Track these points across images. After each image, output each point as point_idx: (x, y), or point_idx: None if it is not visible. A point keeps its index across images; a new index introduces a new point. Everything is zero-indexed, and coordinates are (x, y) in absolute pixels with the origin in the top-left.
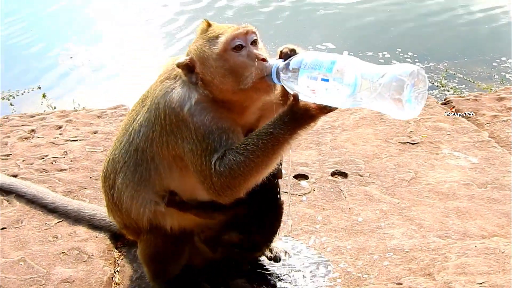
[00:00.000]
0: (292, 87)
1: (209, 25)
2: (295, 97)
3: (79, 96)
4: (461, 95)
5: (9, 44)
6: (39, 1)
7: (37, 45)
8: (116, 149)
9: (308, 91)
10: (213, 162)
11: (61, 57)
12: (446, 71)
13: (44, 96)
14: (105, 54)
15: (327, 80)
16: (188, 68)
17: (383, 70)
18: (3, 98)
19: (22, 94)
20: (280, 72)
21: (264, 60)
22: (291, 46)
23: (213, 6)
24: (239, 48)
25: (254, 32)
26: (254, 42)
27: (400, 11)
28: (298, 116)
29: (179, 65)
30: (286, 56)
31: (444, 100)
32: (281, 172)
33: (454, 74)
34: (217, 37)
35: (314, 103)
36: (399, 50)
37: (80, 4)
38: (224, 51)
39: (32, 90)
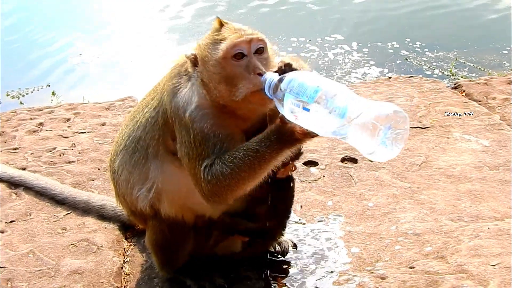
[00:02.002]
0: (280, 108)
1: (221, 24)
2: (282, 119)
3: (89, 92)
4: (472, 79)
5: (16, 42)
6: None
7: (45, 43)
8: (121, 134)
9: (291, 116)
10: (202, 168)
11: (70, 54)
12: (456, 60)
13: (53, 93)
14: (114, 50)
15: (308, 110)
16: (192, 62)
17: (362, 108)
18: (13, 97)
19: (32, 92)
20: (271, 90)
21: (260, 74)
22: (287, 60)
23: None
24: (239, 56)
25: (260, 40)
26: (260, 51)
27: (408, 1)
28: (284, 138)
29: (186, 57)
30: (281, 71)
31: (455, 84)
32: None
33: (464, 62)
34: (220, 41)
35: (300, 127)
36: (408, 40)
37: (87, 1)
38: (223, 59)
39: (42, 88)
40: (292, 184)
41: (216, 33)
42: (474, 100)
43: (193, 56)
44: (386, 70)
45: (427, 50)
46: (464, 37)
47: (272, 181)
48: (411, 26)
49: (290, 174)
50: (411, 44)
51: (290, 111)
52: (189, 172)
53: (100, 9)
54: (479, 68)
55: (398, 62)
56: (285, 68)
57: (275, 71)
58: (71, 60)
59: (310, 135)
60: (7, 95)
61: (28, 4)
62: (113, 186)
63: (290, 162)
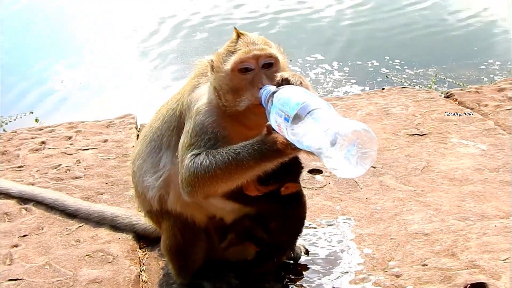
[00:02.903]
0: (268, 118)
1: (238, 36)
2: (268, 128)
3: (72, 117)
4: (463, 88)
5: None
6: (20, 26)
7: (26, 70)
8: (143, 134)
9: (276, 126)
10: (189, 155)
11: (51, 80)
12: (436, 76)
13: (36, 120)
14: (95, 75)
15: (288, 121)
16: (210, 67)
17: (331, 123)
18: None
19: (15, 119)
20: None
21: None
22: (286, 75)
23: (209, 21)
24: (244, 70)
25: (269, 56)
26: (268, 65)
27: (386, 20)
28: (266, 147)
29: (207, 61)
30: (278, 85)
31: (447, 93)
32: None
33: (444, 78)
34: (232, 53)
35: (284, 138)
36: (387, 58)
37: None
38: (231, 71)
39: (25, 115)
40: (301, 203)
41: (232, 44)
42: (467, 108)
43: (211, 62)
44: (367, 88)
45: (406, 67)
46: (442, 53)
47: (278, 198)
48: (389, 45)
49: (295, 191)
50: (390, 62)
51: (275, 121)
52: (179, 160)
53: (78, 34)
54: (459, 84)
55: (379, 79)
56: (282, 82)
57: (274, 84)
58: (53, 86)
59: (290, 146)
60: None
61: (7, 31)
62: (134, 186)
63: (292, 183)
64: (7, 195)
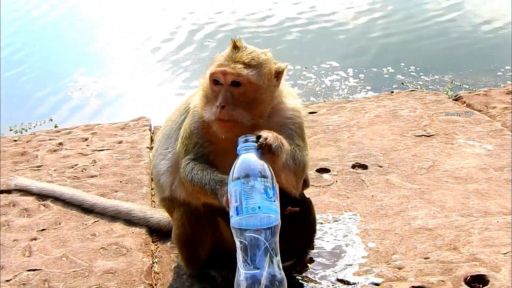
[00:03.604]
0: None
1: (234, 46)
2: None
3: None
4: (471, 90)
5: (16, 77)
6: (40, 34)
7: (45, 79)
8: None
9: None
10: (184, 159)
11: (70, 89)
12: (452, 82)
13: (56, 127)
14: (113, 84)
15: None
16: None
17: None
18: (16, 131)
19: (34, 126)
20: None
21: (222, 106)
22: (270, 141)
23: (220, 30)
24: (216, 82)
25: (237, 76)
26: (237, 84)
27: (401, 27)
28: (219, 193)
29: None
30: (258, 146)
31: (455, 96)
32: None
33: (460, 85)
34: (215, 62)
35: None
36: (403, 64)
37: (85, 37)
38: (208, 78)
39: (44, 122)
40: (307, 217)
41: (222, 53)
42: (475, 110)
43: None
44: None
45: (422, 74)
46: (458, 59)
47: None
48: (405, 51)
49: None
50: (406, 68)
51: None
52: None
53: (97, 43)
54: (475, 90)
55: (394, 86)
56: (263, 145)
57: (256, 137)
58: (71, 93)
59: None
60: (10, 130)
61: (27, 39)
62: (154, 178)
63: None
64: (27, 192)
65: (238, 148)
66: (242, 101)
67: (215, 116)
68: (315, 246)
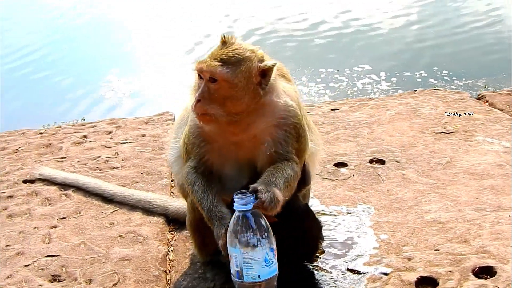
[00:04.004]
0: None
1: (223, 41)
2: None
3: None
4: (495, 90)
5: (52, 77)
6: (74, 35)
7: (79, 79)
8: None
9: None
10: (187, 165)
11: (103, 89)
12: (485, 87)
13: (83, 119)
14: (145, 84)
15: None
16: None
17: None
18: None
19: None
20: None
21: (198, 100)
22: (264, 198)
23: (254, 33)
24: (200, 77)
25: (209, 72)
26: (213, 80)
27: (436, 32)
28: (212, 226)
29: None
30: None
31: (478, 95)
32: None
33: (494, 90)
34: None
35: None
36: (436, 68)
37: (118, 37)
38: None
39: (77, 122)
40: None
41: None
42: (497, 109)
43: None
44: None
45: (455, 78)
46: (493, 65)
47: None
48: (439, 56)
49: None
50: (439, 72)
51: (231, 232)
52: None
53: (134, 46)
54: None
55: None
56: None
57: (250, 191)
58: (104, 94)
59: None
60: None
61: (62, 40)
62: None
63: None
64: (51, 181)
65: (234, 204)
66: (217, 97)
67: (192, 108)
68: (327, 237)
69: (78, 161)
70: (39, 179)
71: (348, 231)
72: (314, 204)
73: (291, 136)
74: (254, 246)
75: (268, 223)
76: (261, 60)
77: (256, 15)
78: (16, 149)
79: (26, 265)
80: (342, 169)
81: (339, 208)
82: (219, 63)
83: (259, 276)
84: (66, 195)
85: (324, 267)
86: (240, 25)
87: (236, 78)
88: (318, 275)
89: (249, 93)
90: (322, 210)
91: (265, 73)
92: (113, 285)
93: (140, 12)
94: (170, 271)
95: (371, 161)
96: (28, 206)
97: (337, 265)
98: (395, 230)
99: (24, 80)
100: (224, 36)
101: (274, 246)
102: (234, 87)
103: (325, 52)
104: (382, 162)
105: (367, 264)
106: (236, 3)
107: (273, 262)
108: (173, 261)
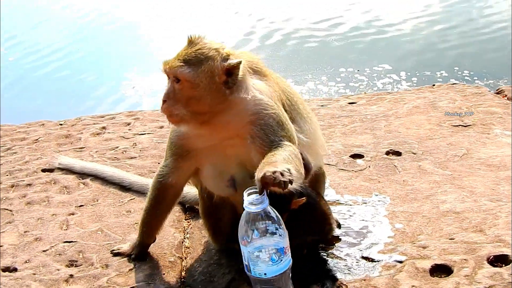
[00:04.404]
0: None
1: (189, 41)
2: None
3: None
4: None
5: (72, 77)
6: (97, 36)
7: (100, 77)
8: None
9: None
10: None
11: (124, 87)
12: None
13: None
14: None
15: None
16: None
17: None
18: None
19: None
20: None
21: (164, 100)
22: (261, 173)
23: (291, 37)
24: (168, 76)
25: (173, 73)
26: (177, 80)
27: (459, 33)
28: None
29: None
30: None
31: (497, 90)
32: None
33: None
34: None
35: None
36: (457, 68)
37: (139, 36)
38: None
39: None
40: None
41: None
42: None
43: None
44: None
45: (476, 78)
46: None
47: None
48: (460, 56)
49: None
50: (460, 72)
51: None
52: None
53: (155, 46)
54: None
55: None
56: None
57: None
58: (125, 92)
59: None
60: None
61: (84, 37)
62: None
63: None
64: (70, 170)
65: (245, 206)
66: (181, 97)
67: (161, 108)
68: (342, 226)
69: (96, 151)
70: (58, 168)
71: (363, 220)
72: (330, 194)
73: (270, 127)
74: (260, 248)
75: (277, 216)
76: (226, 59)
77: (279, 15)
78: (36, 139)
79: (44, 250)
80: (358, 160)
81: (355, 198)
82: (181, 63)
83: (265, 274)
84: (84, 184)
85: (338, 255)
86: (263, 24)
87: (197, 78)
88: (332, 262)
89: (212, 93)
90: (338, 200)
91: (231, 71)
92: (129, 270)
93: (161, 12)
94: (185, 258)
95: (387, 153)
96: (47, 194)
97: (351, 253)
98: (410, 219)
99: (47, 78)
100: (191, 36)
101: (285, 244)
102: (196, 86)
103: (345, 52)
104: (398, 153)
105: (382, 252)
106: (259, 3)
107: (282, 260)
108: (188, 248)
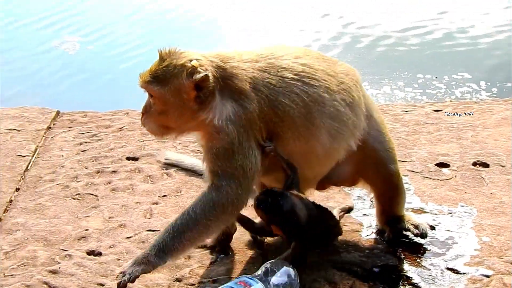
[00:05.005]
0: None
1: (160, 56)
2: None
3: None
4: None
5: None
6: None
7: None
8: None
9: None
10: None
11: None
12: None
13: None
14: None
15: None
16: None
17: None
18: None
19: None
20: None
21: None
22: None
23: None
24: None
25: (143, 87)
26: (150, 95)
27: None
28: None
29: None
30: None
31: None
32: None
33: None
34: None
35: None
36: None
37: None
38: None
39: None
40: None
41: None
42: None
43: None
44: None
45: None
46: None
47: None
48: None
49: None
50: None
51: None
52: None
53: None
54: None
55: None
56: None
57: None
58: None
59: None
60: None
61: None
62: None
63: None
64: (178, 167)
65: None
66: (154, 111)
67: (141, 121)
68: (434, 228)
69: (179, 143)
70: (143, 156)
71: (448, 230)
72: (414, 201)
73: (218, 155)
74: None
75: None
76: (192, 73)
77: (380, 24)
78: (121, 128)
79: (128, 237)
80: (444, 169)
81: (440, 207)
82: (151, 79)
83: None
84: (167, 174)
85: (423, 264)
86: (351, 30)
87: (166, 95)
88: (416, 271)
89: (179, 110)
90: (422, 208)
91: (200, 85)
92: (211, 263)
93: (244, 11)
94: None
95: (474, 164)
96: (131, 182)
97: (436, 263)
98: (498, 233)
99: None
100: (161, 51)
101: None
102: (166, 102)
103: (423, 58)
104: (486, 165)
105: (468, 265)
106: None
107: None
108: (270, 244)
